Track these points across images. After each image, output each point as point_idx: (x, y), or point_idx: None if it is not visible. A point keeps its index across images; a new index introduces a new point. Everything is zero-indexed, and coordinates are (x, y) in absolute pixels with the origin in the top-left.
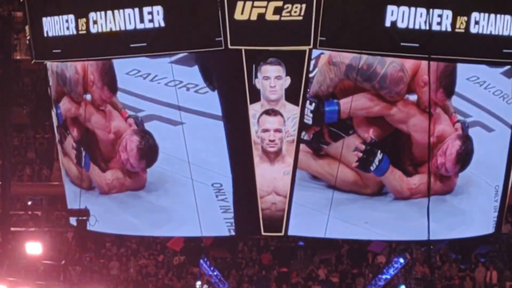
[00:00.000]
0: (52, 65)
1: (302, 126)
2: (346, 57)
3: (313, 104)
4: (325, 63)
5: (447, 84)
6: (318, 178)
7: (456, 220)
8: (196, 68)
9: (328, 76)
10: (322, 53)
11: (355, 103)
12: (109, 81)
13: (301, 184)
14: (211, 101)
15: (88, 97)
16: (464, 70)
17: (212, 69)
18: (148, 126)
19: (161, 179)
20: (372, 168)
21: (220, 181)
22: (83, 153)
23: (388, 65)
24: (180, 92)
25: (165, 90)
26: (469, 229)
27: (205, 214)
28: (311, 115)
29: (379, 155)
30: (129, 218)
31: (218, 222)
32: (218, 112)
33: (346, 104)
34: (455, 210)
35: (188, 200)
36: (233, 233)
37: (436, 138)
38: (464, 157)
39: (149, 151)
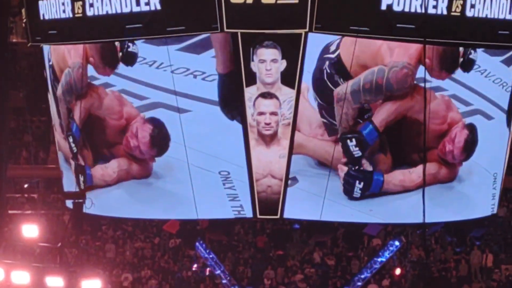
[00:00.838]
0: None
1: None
2: (346, 87)
3: (353, 139)
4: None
5: (450, 64)
6: (323, 163)
7: (458, 207)
8: (203, 55)
9: (343, 112)
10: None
11: (382, 113)
12: (110, 60)
13: (307, 170)
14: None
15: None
16: None
17: None
18: (153, 113)
19: (167, 166)
20: (357, 195)
21: (227, 169)
22: (85, 169)
23: (388, 72)
24: (187, 79)
25: (171, 78)
26: (467, 212)
27: (211, 201)
28: (357, 148)
29: (358, 185)
30: (133, 203)
31: (225, 210)
32: None
33: (376, 118)
34: (457, 196)
35: (194, 187)
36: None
37: (447, 125)
38: (471, 146)
39: (161, 139)
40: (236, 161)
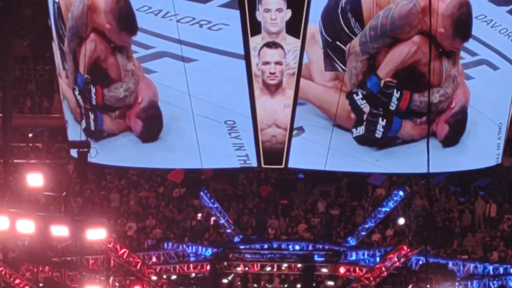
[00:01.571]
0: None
1: (302, 59)
2: (355, 41)
3: (360, 93)
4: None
5: (464, 31)
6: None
7: (460, 154)
8: (209, 4)
9: (353, 66)
10: None
11: (387, 62)
12: (127, 25)
13: (312, 120)
14: (225, 37)
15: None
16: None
17: None
18: (158, 63)
19: (172, 117)
20: (379, 135)
21: (233, 119)
22: (98, 114)
23: (395, 8)
24: (193, 28)
25: (177, 27)
26: (472, 163)
27: (216, 151)
28: (364, 101)
29: (381, 122)
30: (138, 152)
31: (230, 158)
32: (232, 49)
33: (382, 69)
34: (461, 144)
35: (199, 137)
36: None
37: None
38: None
39: (153, 126)
40: (241, 111)
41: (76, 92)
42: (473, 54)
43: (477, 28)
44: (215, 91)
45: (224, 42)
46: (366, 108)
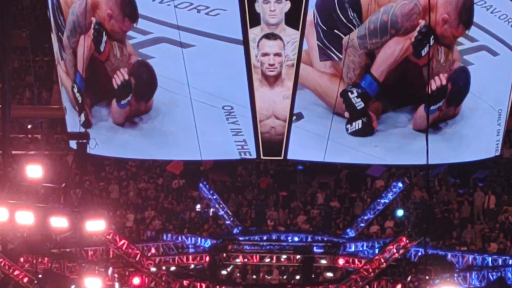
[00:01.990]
0: None
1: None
2: (353, 34)
3: (354, 91)
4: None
5: (467, 18)
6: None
7: (460, 145)
8: None
9: (350, 60)
10: None
11: (381, 61)
12: (130, 11)
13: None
14: (222, 23)
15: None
16: None
17: None
18: (156, 48)
19: (170, 102)
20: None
21: (231, 104)
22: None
23: (395, 8)
24: (191, 14)
25: (174, 12)
26: (471, 154)
27: (215, 137)
28: (359, 99)
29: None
30: (137, 141)
31: (229, 145)
32: (230, 34)
33: (375, 69)
34: (459, 135)
35: (198, 124)
36: (244, 156)
37: None
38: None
39: (144, 89)
40: (239, 96)
41: (75, 90)
42: (472, 40)
43: (477, 14)
44: (213, 77)
45: (222, 28)
46: (360, 106)
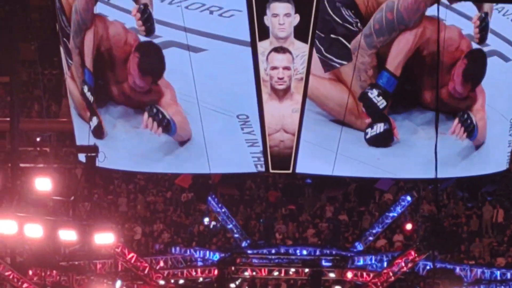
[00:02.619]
0: None
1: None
2: (359, 36)
3: (374, 90)
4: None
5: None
6: (323, 108)
7: (473, 157)
8: None
9: (360, 62)
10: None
11: (396, 53)
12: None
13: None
14: (237, 25)
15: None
16: None
17: None
18: (164, 53)
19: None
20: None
21: (245, 113)
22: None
23: (398, 3)
24: (203, 15)
25: (185, 14)
26: (484, 167)
27: (229, 148)
28: (380, 98)
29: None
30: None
31: (243, 157)
32: (245, 37)
33: (391, 63)
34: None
35: (206, 134)
36: (260, 169)
37: (459, 52)
38: (471, 75)
39: (152, 65)
40: (254, 105)
41: (85, 90)
42: (484, 44)
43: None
44: (226, 84)
45: (236, 30)
46: (383, 104)
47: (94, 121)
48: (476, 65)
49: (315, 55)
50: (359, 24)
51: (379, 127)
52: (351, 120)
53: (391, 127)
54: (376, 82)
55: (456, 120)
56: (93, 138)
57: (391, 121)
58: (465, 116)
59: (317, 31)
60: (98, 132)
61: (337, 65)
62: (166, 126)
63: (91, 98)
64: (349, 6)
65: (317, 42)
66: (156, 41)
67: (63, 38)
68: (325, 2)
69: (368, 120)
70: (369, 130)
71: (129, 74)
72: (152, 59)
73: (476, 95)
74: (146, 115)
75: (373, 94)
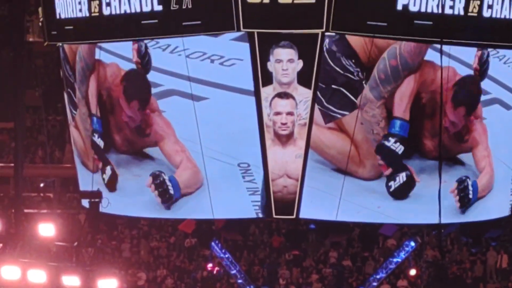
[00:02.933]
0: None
1: (314, 110)
2: (366, 90)
3: (390, 139)
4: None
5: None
6: (325, 157)
7: (476, 205)
8: (221, 38)
9: (371, 115)
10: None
11: (399, 99)
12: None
13: (310, 165)
14: (238, 74)
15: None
16: None
17: None
18: (166, 102)
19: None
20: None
21: (247, 161)
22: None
23: (400, 47)
24: (204, 64)
25: (186, 63)
26: (485, 212)
27: (232, 195)
28: (397, 144)
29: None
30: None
31: (244, 204)
32: (246, 86)
33: (398, 110)
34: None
35: (209, 181)
36: (261, 215)
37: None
38: (461, 99)
39: (136, 89)
40: (256, 153)
41: (96, 138)
42: (485, 92)
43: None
44: (227, 133)
45: (237, 79)
46: (401, 150)
47: (108, 172)
48: (464, 89)
49: (316, 107)
50: (360, 74)
51: (402, 177)
52: (353, 169)
53: (411, 173)
54: (389, 132)
55: (456, 184)
56: (106, 191)
57: (409, 167)
58: (465, 184)
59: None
60: (112, 184)
61: (339, 116)
62: (167, 199)
63: (101, 143)
64: (350, 56)
65: (318, 93)
66: (157, 90)
67: (68, 89)
68: (325, 53)
69: (388, 171)
70: (391, 183)
71: (121, 111)
72: (135, 83)
73: (474, 131)
74: (150, 179)
75: (390, 142)
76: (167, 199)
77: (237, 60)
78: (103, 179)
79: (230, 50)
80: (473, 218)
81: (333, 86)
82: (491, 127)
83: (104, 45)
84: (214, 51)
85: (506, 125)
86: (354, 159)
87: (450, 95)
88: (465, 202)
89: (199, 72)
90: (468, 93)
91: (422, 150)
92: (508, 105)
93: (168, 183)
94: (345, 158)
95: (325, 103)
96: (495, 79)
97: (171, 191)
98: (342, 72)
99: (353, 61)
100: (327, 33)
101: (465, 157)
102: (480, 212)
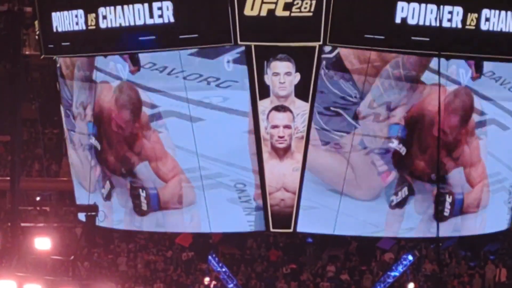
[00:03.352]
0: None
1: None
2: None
3: (393, 140)
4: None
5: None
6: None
7: (470, 220)
8: (218, 60)
9: (378, 128)
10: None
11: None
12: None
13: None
14: (234, 95)
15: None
16: None
17: None
18: (164, 123)
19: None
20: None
21: (243, 182)
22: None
23: (402, 61)
24: (200, 86)
25: (183, 85)
26: (482, 228)
27: (226, 212)
28: (401, 145)
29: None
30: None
31: (240, 222)
32: (242, 107)
33: (399, 113)
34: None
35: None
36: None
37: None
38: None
39: (127, 98)
40: (252, 175)
41: (92, 140)
42: (481, 113)
43: (485, 85)
44: (224, 153)
45: (233, 100)
46: (404, 151)
47: (107, 187)
48: (458, 97)
49: (313, 127)
50: (358, 95)
51: (404, 192)
52: (349, 191)
53: (411, 184)
54: (390, 136)
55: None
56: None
57: (406, 178)
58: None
59: (316, 104)
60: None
61: (337, 138)
62: (142, 211)
63: (99, 146)
64: (348, 79)
65: (316, 115)
66: (155, 111)
67: (66, 110)
68: (323, 77)
69: (391, 177)
70: (393, 198)
71: (112, 120)
72: (126, 94)
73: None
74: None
75: (394, 143)
76: (140, 211)
77: (233, 82)
78: (102, 194)
79: (226, 72)
80: (471, 232)
81: (331, 108)
82: (489, 147)
83: (97, 64)
84: (210, 73)
85: (502, 146)
86: (352, 182)
87: (444, 104)
88: (441, 216)
89: (196, 93)
90: (461, 103)
91: (413, 170)
92: (504, 126)
93: (142, 200)
94: (341, 180)
95: (323, 125)
96: (491, 99)
97: (144, 209)
98: (340, 94)
99: (350, 83)
100: (323, 55)
101: (456, 172)
102: (480, 225)
